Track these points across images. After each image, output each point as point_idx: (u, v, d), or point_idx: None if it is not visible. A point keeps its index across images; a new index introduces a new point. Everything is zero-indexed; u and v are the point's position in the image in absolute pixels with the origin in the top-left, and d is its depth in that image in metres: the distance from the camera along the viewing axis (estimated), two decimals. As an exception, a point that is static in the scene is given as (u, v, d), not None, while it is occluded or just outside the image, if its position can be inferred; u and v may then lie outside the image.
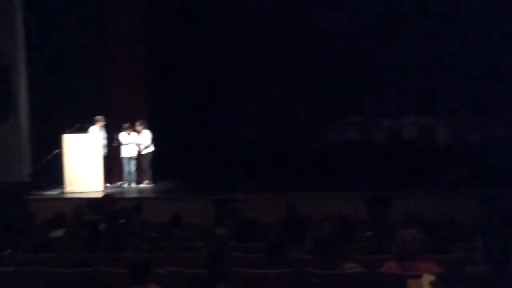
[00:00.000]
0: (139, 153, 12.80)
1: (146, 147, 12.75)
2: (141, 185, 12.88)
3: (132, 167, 12.80)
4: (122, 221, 8.24)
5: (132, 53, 13.29)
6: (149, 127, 12.81)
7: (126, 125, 12.59)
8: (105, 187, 12.35)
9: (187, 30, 14.16)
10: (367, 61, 13.98)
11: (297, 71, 14.31)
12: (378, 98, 14.09)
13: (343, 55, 14.07)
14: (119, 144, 12.75)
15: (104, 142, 12.54)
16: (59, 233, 7.63)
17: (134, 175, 12.84)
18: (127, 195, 12.10)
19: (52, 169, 12.24)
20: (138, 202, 9.69)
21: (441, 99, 13.90)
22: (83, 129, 12.29)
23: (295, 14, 14.28)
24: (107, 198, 9.95)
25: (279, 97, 14.49)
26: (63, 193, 11.95)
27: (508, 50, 13.23)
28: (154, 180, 12.97)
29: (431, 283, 2.22)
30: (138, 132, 12.68)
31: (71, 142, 12.05)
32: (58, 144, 12.01)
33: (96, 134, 12.34)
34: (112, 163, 12.93)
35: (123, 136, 12.65)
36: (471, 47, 13.57)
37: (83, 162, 12.04)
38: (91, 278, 5.43)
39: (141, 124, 12.67)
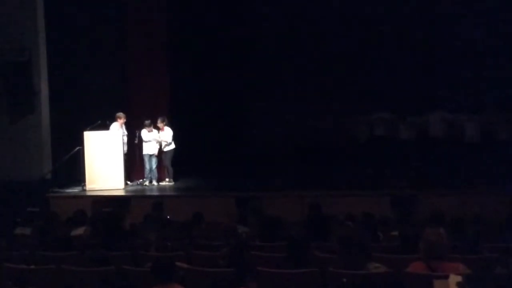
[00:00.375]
0: (160, 151, 12.84)
1: (168, 144, 12.78)
2: (162, 183, 12.92)
3: (153, 164, 12.83)
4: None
5: (154, 49, 13.33)
6: (169, 124, 12.84)
7: (147, 122, 12.60)
8: (126, 184, 12.40)
9: (209, 28, 14.18)
10: (393, 56, 13.89)
11: (320, 67, 14.28)
12: (404, 94, 13.98)
13: (367, 49, 14.01)
14: (140, 141, 12.81)
15: (125, 139, 12.58)
16: (80, 231, 7.73)
17: (155, 173, 12.88)
18: (148, 193, 12.18)
19: (73, 167, 12.31)
20: (159, 200, 9.78)
21: (468, 95, 13.73)
22: (104, 126, 12.33)
23: (314, 9, 14.20)
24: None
25: (302, 93, 14.46)
26: (84, 190, 12.02)
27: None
28: (175, 177, 13.00)
29: (458, 284, 2.20)
30: (159, 129, 12.73)
31: (92, 139, 12.10)
32: (79, 141, 12.06)
33: (117, 131, 12.38)
34: (133, 160, 12.99)
35: (144, 133, 12.69)
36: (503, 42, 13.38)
37: (104, 160, 12.09)
38: (113, 276, 5.45)
39: (162, 121, 12.68)
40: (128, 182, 12.63)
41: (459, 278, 2.22)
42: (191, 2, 13.99)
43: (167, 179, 12.97)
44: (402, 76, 13.97)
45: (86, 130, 12.08)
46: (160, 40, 13.34)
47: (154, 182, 12.84)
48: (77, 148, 12.08)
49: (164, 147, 12.79)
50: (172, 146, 12.82)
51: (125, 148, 12.53)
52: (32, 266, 5.94)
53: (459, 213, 7.69)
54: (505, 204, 8.94)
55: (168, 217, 8.91)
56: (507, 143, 13.43)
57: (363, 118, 14.84)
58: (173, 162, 12.96)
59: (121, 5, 13.28)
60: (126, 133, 12.62)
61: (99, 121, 12.24)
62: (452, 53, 13.82)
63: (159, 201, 9.69)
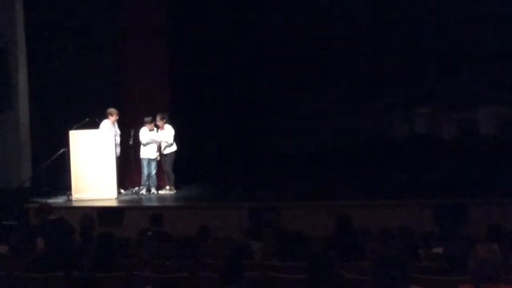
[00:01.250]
0: (160, 153, 12.86)
1: (168, 145, 12.80)
2: (162, 191, 12.98)
3: (152, 170, 12.86)
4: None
5: (152, 36, 13.44)
6: (170, 122, 12.86)
7: (147, 119, 12.65)
8: (119, 194, 12.44)
9: (210, 22, 14.25)
10: (432, 40, 13.89)
11: (346, 58, 14.34)
12: (449, 85, 13.95)
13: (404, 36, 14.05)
14: (137, 142, 12.85)
15: (118, 139, 12.62)
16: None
17: (154, 180, 12.92)
18: (145, 204, 12.20)
19: (56, 172, 12.41)
20: (159, 212, 9.79)
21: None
22: (93, 124, 12.38)
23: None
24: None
25: (322, 86, 14.45)
26: (69, 201, 12.04)
27: None
28: (176, 185, 13.05)
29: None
30: (159, 127, 12.74)
31: (78, 140, 12.14)
32: (64, 142, 12.11)
33: (109, 130, 12.41)
34: (128, 165, 13.06)
35: (144, 133, 12.72)
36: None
37: (93, 164, 12.12)
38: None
39: (162, 119, 12.70)
40: (122, 191, 12.70)
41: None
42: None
43: (167, 187, 13.04)
44: (445, 64, 13.94)
45: (71, 129, 12.11)
46: (159, 26, 13.45)
47: (153, 191, 12.89)
48: (62, 150, 12.14)
49: (164, 148, 12.83)
50: (174, 147, 12.85)
51: (118, 150, 12.57)
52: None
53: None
54: None
55: (149, 233, 8.92)
56: None
57: (400, 114, 14.81)
58: (174, 167, 12.99)
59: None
60: (119, 132, 12.66)
61: (87, 119, 12.28)
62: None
63: (158, 212, 9.71)
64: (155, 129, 12.77)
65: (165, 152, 12.86)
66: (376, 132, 14.70)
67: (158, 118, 12.73)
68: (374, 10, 14.51)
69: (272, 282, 5.68)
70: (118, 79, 13.52)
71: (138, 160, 12.98)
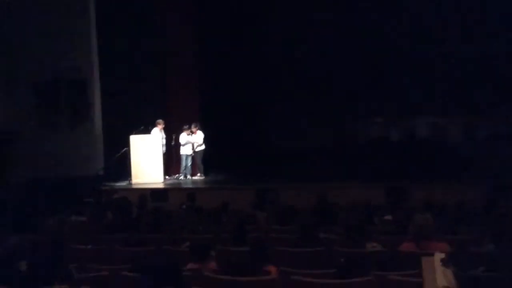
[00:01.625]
0: (193, 150, 12.91)
1: (199, 145, 12.86)
2: (195, 177, 12.98)
3: (188, 162, 12.93)
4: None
5: (187, 69, 13.46)
6: (201, 128, 12.90)
7: (185, 126, 12.71)
8: (165, 179, 12.46)
9: (233, 49, 14.21)
10: (387, 71, 13.79)
11: (327, 83, 14.22)
12: (396, 101, 13.89)
13: (369, 67, 13.92)
14: (178, 143, 12.87)
15: (164, 141, 12.64)
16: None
17: (189, 169, 12.97)
18: (183, 186, 12.22)
19: (121, 164, 12.41)
20: (193, 192, 9.83)
21: (450, 101, 13.60)
22: (146, 131, 12.41)
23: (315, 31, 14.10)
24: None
25: (312, 105, 14.36)
26: (130, 184, 12.11)
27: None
28: (205, 173, 13.06)
29: (442, 260, 2.20)
30: (193, 132, 12.80)
31: (136, 142, 12.19)
32: (126, 144, 12.18)
33: (157, 135, 12.46)
34: (170, 159, 13.06)
35: (182, 137, 12.77)
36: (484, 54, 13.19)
37: (147, 158, 12.18)
38: (153, 255, 5.49)
39: (195, 126, 12.78)
40: (167, 177, 12.69)
41: (443, 256, 2.21)
42: (217, 32, 13.93)
43: (198, 174, 13.03)
44: (395, 86, 13.82)
45: (131, 134, 12.18)
46: (192, 62, 13.50)
47: (189, 177, 12.92)
48: (124, 149, 12.19)
49: (196, 147, 12.86)
50: (203, 147, 12.88)
51: (164, 149, 12.58)
52: (89, 246, 6.01)
53: (443, 201, 7.65)
54: (482, 193, 8.84)
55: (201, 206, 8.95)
56: (483, 142, 13.30)
57: (363, 123, 14.79)
58: (203, 160, 13.02)
59: (161, 32, 13.35)
60: (164, 136, 12.69)
61: (142, 127, 12.31)
62: (437, 64, 13.64)
63: (192, 192, 9.75)
64: (190, 134, 12.81)
65: (197, 150, 12.88)
66: (347, 134, 14.66)
67: (192, 126, 12.77)
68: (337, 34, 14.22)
69: (271, 240, 5.69)
70: (164, 98, 13.53)
71: (178, 156, 12.98)
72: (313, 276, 3.98)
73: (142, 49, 13.12)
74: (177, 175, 13.03)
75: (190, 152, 12.83)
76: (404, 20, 13.47)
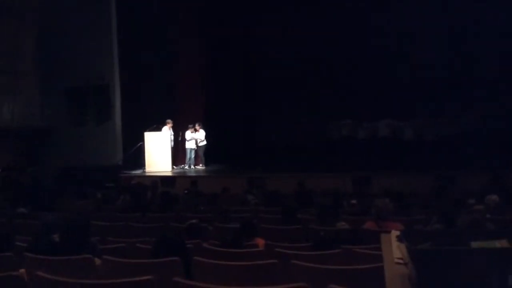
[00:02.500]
0: (197, 145, 12.86)
1: (202, 141, 12.81)
2: (197, 167, 12.94)
3: (192, 155, 12.87)
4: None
5: (194, 77, 13.38)
6: (204, 127, 12.84)
7: (190, 125, 12.66)
8: (173, 168, 12.39)
9: (232, 60, 14.12)
10: (356, 81, 13.71)
11: (306, 88, 14.14)
12: (362, 105, 13.87)
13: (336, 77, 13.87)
14: (184, 139, 12.81)
15: (172, 138, 12.57)
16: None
17: (193, 160, 12.91)
18: (187, 174, 12.18)
19: (137, 156, 12.36)
20: (195, 179, 9.80)
21: (407, 106, 13.62)
22: (158, 129, 12.34)
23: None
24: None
25: (295, 108, 14.27)
26: (144, 172, 12.04)
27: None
28: (206, 164, 13.02)
29: (397, 237, 2.21)
30: (196, 130, 12.75)
31: (150, 137, 12.11)
32: (141, 139, 12.10)
33: (166, 132, 12.40)
34: (177, 152, 13.00)
35: (187, 134, 12.70)
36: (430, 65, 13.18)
37: (158, 152, 12.11)
38: (164, 231, 5.47)
39: (199, 125, 12.73)
40: (174, 167, 12.63)
41: (398, 233, 2.22)
42: (222, 46, 13.87)
43: (200, 165, 12.99)
44: (362, 93, 13.76)
45: (146, 131, 12.10)
46: (198, 70, 13.42)
47: (192, 167, 12.87)
48: (140, 143, 12.13)
49: (199, 143, 12.81)
50: (204, 142, 12.84)
51: (172, 144, 12.52)
52: (108, 223, 5.97)
53: (399, 188, 7.69)
54: (430, 183, 8.90)
55: (201, 191, 8.94)
56: (432, 142, 13.37)
57: (334, 123, 14.78)
58: (205, 153, 12.98)
59: (171, 45, 13.25)
60: (173, 133, 12.62)
61: (155, 125, 12.25)
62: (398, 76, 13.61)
63: (195, 179, 9.73)
64: (194, 131, 12.76)
65: (200, 145, 12.84)
66: (322, 133, 14.56)
67: (196, 125, 12.72)
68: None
69: (259, 219, 5.69)
70: (173, 102, 13.45)
71: (184, 149, 12.92)
72: (293, 249, 3.98)
73: (155, 60, 13.06)
74: (182, 165, 12.98)
75: (194, 146, 12.79)
76: (370, 29, 13.36)
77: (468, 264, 1.61)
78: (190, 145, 12.77)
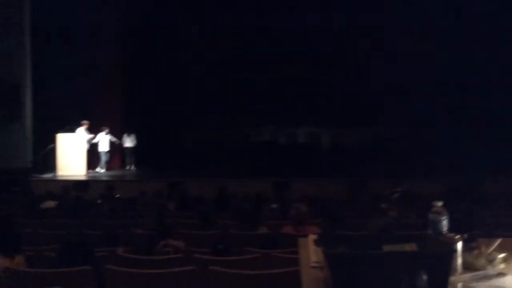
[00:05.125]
0: (112, 147, 12.33)
1: (119, 143, 12.30)
2: (113, 171, 12.43)
3: (106, 158, 12.37)
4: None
5: (112, 78, 12.91)
6: (125, 131, 12.49)
7: (104, 127, 12.22)
8: (87, 172, 11.82)
9: (155, 61, 13.78)
10: (276, 87, 13.99)
11: (234, 96, 14.17)
12: (283, 112, 14.17)
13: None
14: (97, 141, 12.26)
15: (88, 139, 12.01)
16: (48, 204, 7.27)
17: (106, 164, 12.40)
18: (103, 178, 11.65)
19: (48, 159, 11.67)
20: (111, 184, 9.38)
21: (324, 115, 14.11)
22: (72, 130, 11.74)
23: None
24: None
25: (219, 111, 14.22)
26: (55, 176, 11.39)
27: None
28: (123, 167, 12.58)
29: (314, 241, 2.25)
30: (110, 133, 12.28)
31: (62, 139, 11.55)
32: (53, 140, 11.49)
33: (82, 134, 11.81)
34: (92, 155, 12.40)
35: (101, 136, 12.21)
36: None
37: (71, 154, 11.54)
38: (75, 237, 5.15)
39: (107, 129, 12.31)
40: (89, 170, 12.05)
41: (314, 236, 2.26)
42: (143, 50, 13.49)
43: (116, 168, 12.50)
44: (284, 102, 14.04)
45: (58, 132, 11.48)
46: (116, 72, 12.94)
47: (103, 170, 12.31)
48: (51, 145, 11.50)
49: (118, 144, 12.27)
50: (106, 148, 12.29)
51: (87, 146, 11.94)
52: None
53: (315, 193, 7.90)
54: (344, 188, 9.24)
55: (118, 195, 8.57)
56: (346, 149, 13.99)
57: (255, 130, 14.96)
58: (128, 156, 12.53)
59: (87, 43, 12.63)
60: (88, 135, 12.04)
61: (68, 127, 11.67)
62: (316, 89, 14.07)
63: (111, 184, 9.32)
64: (108, 133, 12.23)
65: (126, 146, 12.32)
66: (244, 138, 14.61)
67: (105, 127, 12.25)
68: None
69: (178, 224, 5.55)
70: (91, 106, 12.81)
71: (97, 152, 12.37)
72: (209, 254, 3.92)
73: (71, 59, 12.38)
74: (97, 169, 12.39)
75: (107, 149, 12.27)
76: (292, 38, 13.68)
77: (380, 267, 1.66)
78: (103, 147, 12.20)
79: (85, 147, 11.73)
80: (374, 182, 9.40)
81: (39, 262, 3.65)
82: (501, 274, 1.82)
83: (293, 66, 13.76)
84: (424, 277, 1.58)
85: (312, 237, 2.38)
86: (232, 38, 13.88)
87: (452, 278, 1.73)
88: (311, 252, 2.16)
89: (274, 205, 7.05)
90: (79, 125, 11.87)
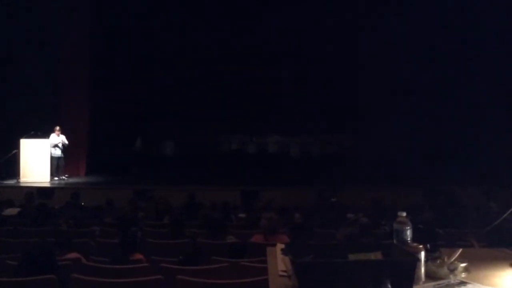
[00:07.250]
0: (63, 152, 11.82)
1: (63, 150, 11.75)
2: (77, 179, 12.13)
3: (61, 163, 11.76)
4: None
5: (79, 79, 12.69)
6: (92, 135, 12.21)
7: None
8: (52, 179, 11.49)
9: (121, 66, 13.58)
10: (246, 95, 13.97)
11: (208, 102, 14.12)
12: (252, 121, 14.18)
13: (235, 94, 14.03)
14: (62, 147, 11.78)
15: (60, 145, 11.65)
16: (9, 212, 7.06)
17: (62, 170, 11.83)
18: (68, 185, 11.35)
19: (10, 165, 11.30)
20: (77, 191, 9.17)
21: (293, 124, 14.22)
22: (37, 136, 11.36)
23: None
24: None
25: (188, 119, 14.10)
26: (18, 182, 11.04)
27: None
28: (88, 174, 12.31)
29: (282, 249, 2.27)
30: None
31: (26, 145, 11.23)
32: (17, 146, 11.16)
33: (55, 139, 11.52)
34: (59, 161, 12.05)
35: (53, 138, 11.58)
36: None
37: (35, 160, 11.23)
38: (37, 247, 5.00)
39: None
40: (56, 178, 11.70)
41: (283, 246, 2.29)
42: (111, 54, 13.30)
43: (81, 175, 12.21)
44: (255, 110, 14.06)
45: (22, 138, 11.18)
46: (83, 73, 12.74)
47: (63, 177, 11.85)
48: (14, 151, 11.17)
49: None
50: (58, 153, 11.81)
51: (57, 152, 11.59)
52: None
53: (284, 203, 7.94)
54: (313, 197, 9.32)
55: (83, 203, 8.39)
56: (316, 157, 14.13)
57: (225, 137, 14.95)
58: (88, 163, 12.20)
59: (53, 42, 12.34)
60: (61, 141, 11.66)
61: (32, 132, 11.34)
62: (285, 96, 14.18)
63: (76, 191, 9.11)
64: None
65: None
66: (214, 146, 14.56)
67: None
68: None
69: (146, 233, 5.47)
70: (56, 106, 12.51)
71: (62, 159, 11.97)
72: (177, 263, 3.89)
73: (34, 59, 12.07)
74: (64, 176, 12.02)
75: (60, 154, 11.65)
76: (261, 48, 13.77)
77: (345, 275, 1.70)
78: (55, 152, 11.62)
79: (50, 153, 11.40)
80: (342, 191, 9.53)
81: (1, 271, 3.54)
82: (462, 283, 1.88)
83: (263, 75, 13.85)
84: (389, 285, 1.63)
85: (280, 246, 2.40)
86: (203, 46, 13.89)
87: (416, 287, 1.78)
88: (279, 261, 2.18)
89: (242, 214, 7.07)
90: (52, 131, 11.55)
